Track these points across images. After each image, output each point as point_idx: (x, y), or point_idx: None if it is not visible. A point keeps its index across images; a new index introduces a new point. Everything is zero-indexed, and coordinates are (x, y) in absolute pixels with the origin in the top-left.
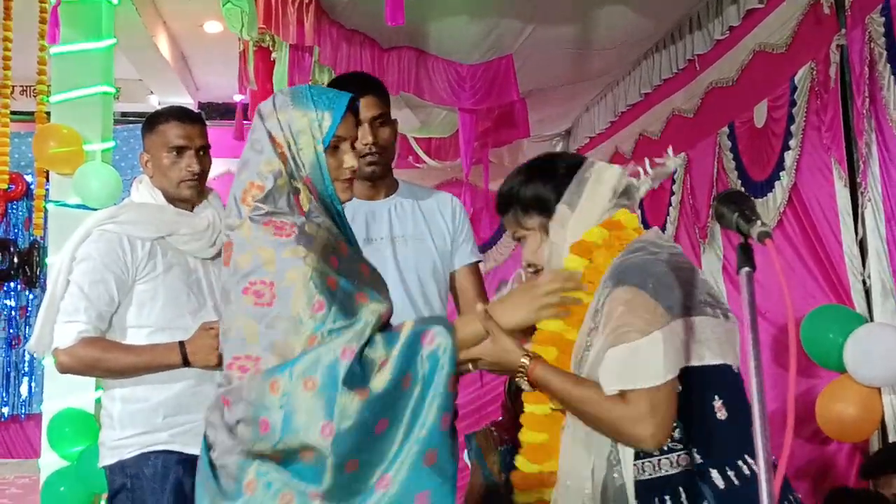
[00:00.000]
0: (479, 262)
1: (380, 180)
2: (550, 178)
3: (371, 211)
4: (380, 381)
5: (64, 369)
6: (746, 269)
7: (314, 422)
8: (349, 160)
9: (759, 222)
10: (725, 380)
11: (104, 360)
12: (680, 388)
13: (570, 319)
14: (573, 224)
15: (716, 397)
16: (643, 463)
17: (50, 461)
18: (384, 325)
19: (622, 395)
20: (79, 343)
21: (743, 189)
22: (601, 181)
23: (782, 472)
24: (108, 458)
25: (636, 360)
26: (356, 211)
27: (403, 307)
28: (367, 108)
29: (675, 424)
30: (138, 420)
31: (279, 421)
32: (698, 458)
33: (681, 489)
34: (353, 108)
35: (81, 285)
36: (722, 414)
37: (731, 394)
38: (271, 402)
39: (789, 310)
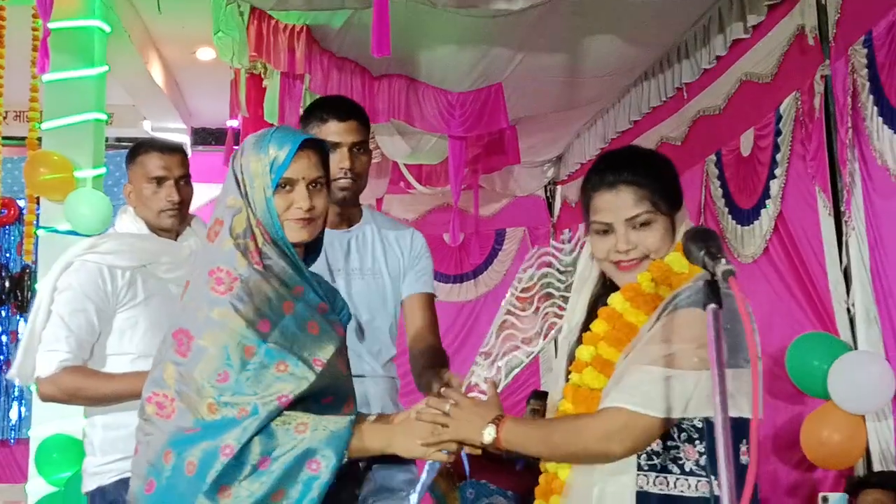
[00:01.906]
0: (432, 294)
1: (346, 208)
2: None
3: (331, 241)
4: (254, 487)
5: (46, 398)
6: (713, 305)
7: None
8: (300, 200)
9: (723, 260)
10: (747, 426)
11: (85, 388)
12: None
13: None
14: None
15: (743, 441)
16: (657, 476)
17: (37, 487)
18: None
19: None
20: (60, 372)
21: (730, 216)
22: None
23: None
24: (89, 484)
25: (661, 389)
26: None
27: (352, 341)
28: (348, 132)
29: (703, 452)
30: (118, 446)
31: (162, 489)
32: (717, 491)
33: None
34: (319, 149)
35: (62, 315)
36: (745, 458)
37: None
38: (161, 468)
39: (751, 341)
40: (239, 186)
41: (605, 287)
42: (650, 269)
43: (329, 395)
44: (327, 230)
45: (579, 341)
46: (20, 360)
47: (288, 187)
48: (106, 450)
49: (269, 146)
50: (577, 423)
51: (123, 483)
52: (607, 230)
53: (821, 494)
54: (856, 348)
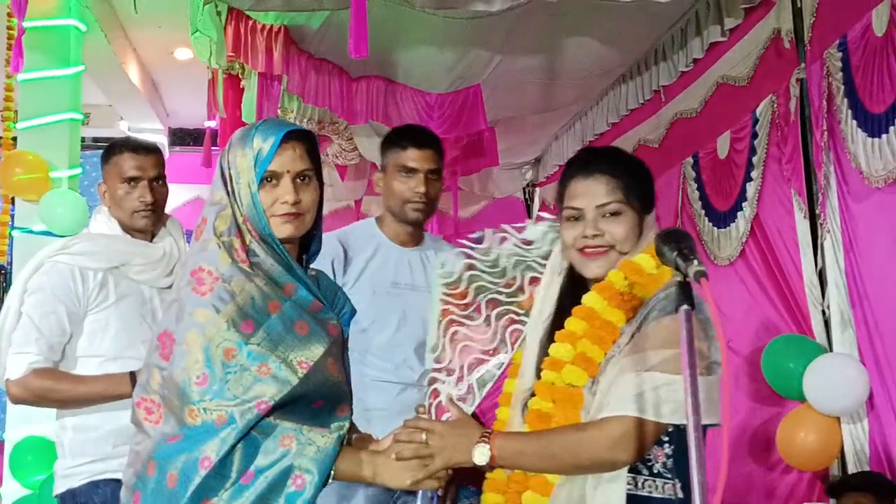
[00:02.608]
0: None
1: (417, 230)
2: (651, 188)
3: (399, 258)
4: (237, 502)
5: (16, 400)
6: (685, 307)
7: None
8: (285, 195)
9: (695, 261)
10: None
11: (55, 390)
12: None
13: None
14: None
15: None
16: (627, 477)
17: (12, 489)
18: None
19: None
20: (30, 374)
21: (707, 219)
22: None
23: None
24: (59, 487)
25: (670, 394)
26: (388, 254)
27: (407, 351)
28: (425, 160)
29: (670, 455)
30: (88, 449)
31: (143, 500)
32: (681, 494)
33: None
34: (305, 140)
35: (32, 317)
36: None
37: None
38: (147, 480)
39: (722, 344)
40: (226, 183)
41: (573, 281)
42: (621, 268)
43: (319, 398)
44: (398, 246)
45: (550, 338)
46: None
47: (273, 181)
48: (76, 452)
49: (253, 139)
50: (582, 434)
51: (94, 485)
52: (578, 217)
53: None
54: (831, 350)
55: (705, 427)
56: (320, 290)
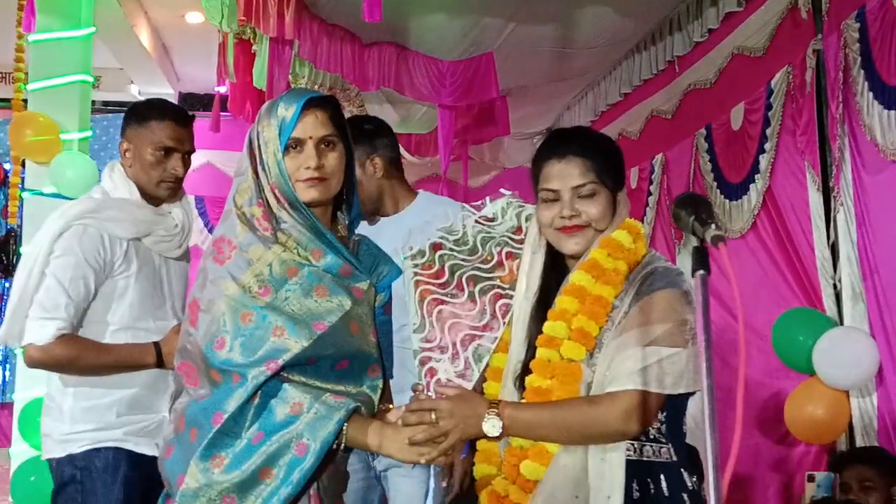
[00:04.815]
0: None
1: None
2: (622, 165)
3: None
4: (246, 461)
5: (33, 365)
6: (701, 271)
7: (177, 471)
8: (308, 160)
9: (713, 226)
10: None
11: (80, 358)
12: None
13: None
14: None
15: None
16: (628, 444)
17: (21, 450)
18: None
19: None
20: (56, 341)
21: (719, 191)
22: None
23: (729, 475)
24: (55, 451)
25: (671, 366)
26: None
27: None
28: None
29: (663, 421)
30: (91, 416)
31: (175, 455)
32: (675, 457)
33: (662, 476)
34: (328, 107)
35: (62, 280)
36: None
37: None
38: (179, 435)
39: (741, 314)
40: (253, 154)
41: (552, 258)
42: (602, 245)
43: (343, 358)
44: None
45: (539, 315)
46: (8, 322)
47: (298, 147)
48: (77, 418)
49: (278, 108)
50: (597, 408)
51: (95, 451)
52: (554, 198)
53: (807, 473)
54: (841, 324)
55: (689, 394)
56: (360, 255)
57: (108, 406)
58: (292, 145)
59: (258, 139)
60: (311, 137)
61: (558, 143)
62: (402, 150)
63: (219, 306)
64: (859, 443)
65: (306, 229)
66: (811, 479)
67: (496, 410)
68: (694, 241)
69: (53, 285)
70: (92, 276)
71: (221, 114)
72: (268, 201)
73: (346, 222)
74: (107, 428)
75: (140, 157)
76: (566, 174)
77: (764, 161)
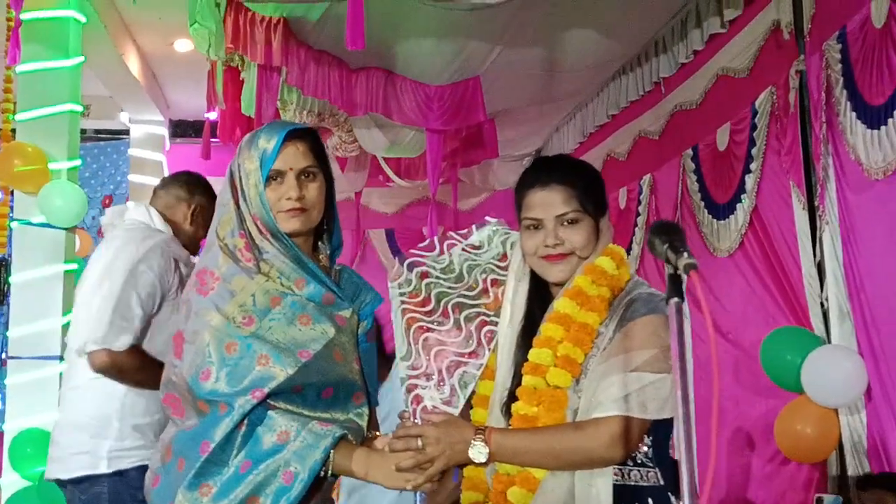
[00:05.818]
0: None
1: None
2: (604, 192)
3: None
4: (234, 490)
5: (101, 368)
6: (675, 299)
7: (165, 501)
8: (289, 191)
9: (685, 254)
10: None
11: (141, 370)
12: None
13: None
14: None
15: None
16: (615, 469)
17: (11, 481)
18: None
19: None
20: (126, 351)
21: (706, 211)
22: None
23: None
24: (99, 467)
25: (655, 392)
26: None
27: None
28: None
29: (650, 445)
30: (138, 434)
31: (163, 484)
32: (662, 481)
33: (649, 500)
34: (308, 138)
35: (141, 295)
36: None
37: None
38: (166, 465)
39: (713, 341)
40: (234, 186)
41: (537, 285)
42: (586, 272)
43: (328, 386)
44: None
45: (524, 342)
46: (80, 328)
47: (279, 179)
48: (126, 434)
49: (259, 140)
50: (582, 433)
51: (143, 470)
52: (538, 226)
53: (815, 496)
54: (829, 342)
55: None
56: (342, 284)
57: (151, 426)
58: (273, 177)
59: (239, 171)
60: (291, 169)
61: (540, 171)
62: (391, 174)
63: (203, 337)
64: (849, 461)
65: (289, 259)
66: (819, 501)
67: (483, 436)
68: (669, 269)
69: (133, 298)
70: (159, 295)
71: (212, 140)
72: (250, 232)
73: (328, 252)
74: (150, 447)
75: (203, 224)
76: (549, 202)
77: (750, 181)
